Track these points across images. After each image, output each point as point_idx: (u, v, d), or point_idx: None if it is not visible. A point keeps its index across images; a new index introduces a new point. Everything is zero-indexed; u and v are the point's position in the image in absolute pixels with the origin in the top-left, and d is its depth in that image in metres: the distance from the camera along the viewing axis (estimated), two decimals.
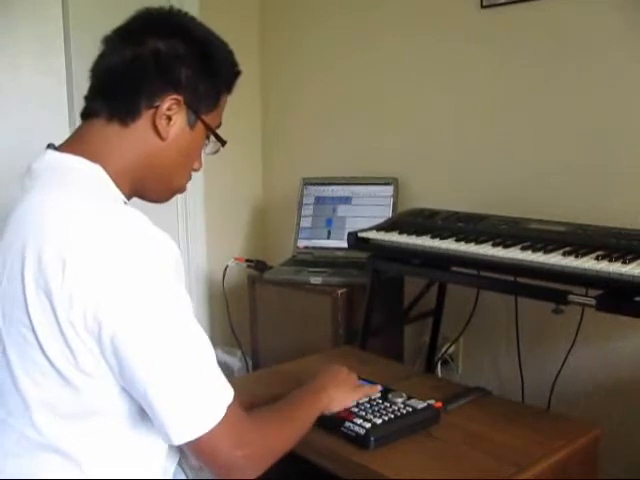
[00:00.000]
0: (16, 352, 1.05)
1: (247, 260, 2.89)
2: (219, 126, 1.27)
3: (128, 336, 1.00)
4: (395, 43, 2.78)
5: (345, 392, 1.51)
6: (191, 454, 1.12)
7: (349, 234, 2.25)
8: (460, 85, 2.59)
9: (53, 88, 2.66)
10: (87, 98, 1.19)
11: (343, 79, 3.00)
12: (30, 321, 1.02)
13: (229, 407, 1.07)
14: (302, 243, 2.92)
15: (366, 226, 2.32)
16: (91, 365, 1.03)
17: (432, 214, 2.27)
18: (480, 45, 2.51)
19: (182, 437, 1.05)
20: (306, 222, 2.93)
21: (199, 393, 1.05)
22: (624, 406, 2.17)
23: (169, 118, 1.16)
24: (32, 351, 1.03)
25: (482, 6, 2.46)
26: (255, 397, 1.50)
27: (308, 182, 2.96)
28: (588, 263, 1.66)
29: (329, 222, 2.89)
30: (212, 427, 1.05)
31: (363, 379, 1.64)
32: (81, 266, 0.99)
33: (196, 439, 1.05)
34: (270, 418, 1.24)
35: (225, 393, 1.09)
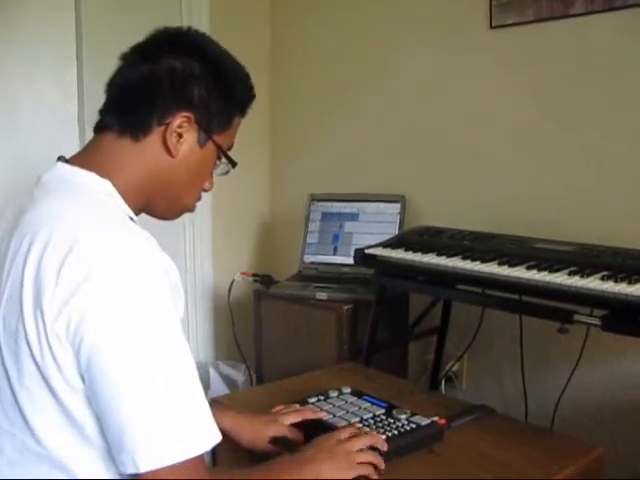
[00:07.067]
0: (13, 363, 1.05)
1: (253, 274, 2.89)
2: (231, 148, 1.28)
3: (108, 352, 0.98)
4: (403, 61, 2.80)
5: (338, 468, 1.25)
6: None
7: (356, 250, 2.26)
8: (468, 104, 2.60)
9: (64, 100, 2.68)
10: (101, 112, 1.21)
11: (351, 97, 3.01)
12: (25, 331, 1.01)
13: (197, 457, 1.00)
14: (308, 258, 2.93)
15: (372, 243, 2.33)
16: (75, 379, 1.01)
17: (438, 232, 2.28)
18: (488, 65, 2.53)
19: (146, 464, 0.98)
20: (313, 238, 2.93)
21: (170, 421, 1.00)
22: (628, 426, 2.16)
23: (179, 135, 1.18)
24: (26, 362, 1.03)
25: (491, 27, 2.48)
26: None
27: (315, 198, 2.98)
28: (593, 283, 1.66)
29: (336, 238, 2.89)
30: (174, 463, 0.98)
31: (367, 396, 1.64)
32: (75, 276, 0.99)
33: (150, 471, 0.98)
34: None
35: (210, 433, 1.03)
